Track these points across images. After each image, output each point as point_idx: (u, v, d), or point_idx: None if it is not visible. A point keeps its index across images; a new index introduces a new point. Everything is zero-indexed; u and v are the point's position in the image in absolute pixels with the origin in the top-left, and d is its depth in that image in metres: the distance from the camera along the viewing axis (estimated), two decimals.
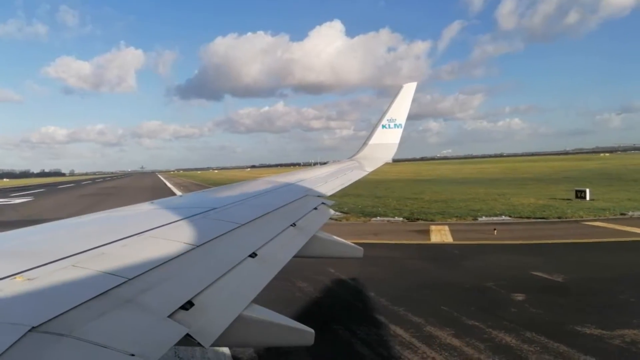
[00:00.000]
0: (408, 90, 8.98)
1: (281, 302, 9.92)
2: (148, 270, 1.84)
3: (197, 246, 2.24)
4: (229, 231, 2.61)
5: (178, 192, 48.59)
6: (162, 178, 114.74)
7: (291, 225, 3.16)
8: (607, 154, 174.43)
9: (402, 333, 7.87)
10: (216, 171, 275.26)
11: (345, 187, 5.86)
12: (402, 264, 13.42)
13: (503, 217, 21.68)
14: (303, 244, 2.95)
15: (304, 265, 12.24)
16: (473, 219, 21.31)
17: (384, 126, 9.00)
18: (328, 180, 5.73)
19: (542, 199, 28.15)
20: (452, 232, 17.82)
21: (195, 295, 1.74)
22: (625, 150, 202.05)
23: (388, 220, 22.27)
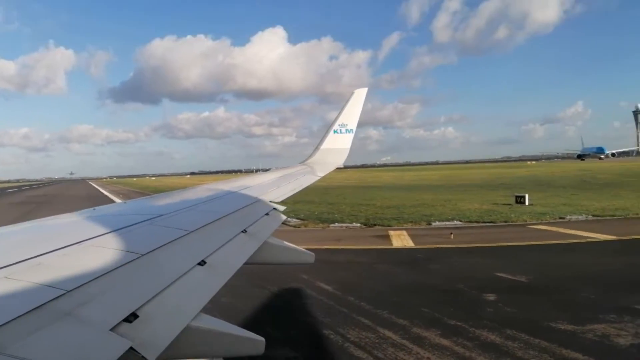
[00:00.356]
0: (359, 96, 9.10)
1: (262, 311, 9.87)
2: (89, 281, 1.74)
3: (143, 255, 2.16)
4: (176, 238, 2.54)
5: (118, 201, 46.56)
6: (95, 186, 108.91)
7: (242, 231, 3.12)
8: (534, 162, 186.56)
9: (392, 335, 8.08)
10: (153, 178, 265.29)
11: (297, 193, 5.83)
12: (372, 268, 13.71)
13: (455, 221, 22.66)
14: (254, 250, 2.92)
15: (274, 272, 12.23)
16: (427, 224, 22.12)
17: (335, 131, 9.06)
18: (280, 185, 5.70)
19: (485, 204, 29.65)
20: (411, 236, 18.41)
21: (140, 307, 1.67)
22: (548, 158, 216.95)
23: (346, 226, 22.61)
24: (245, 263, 2.65)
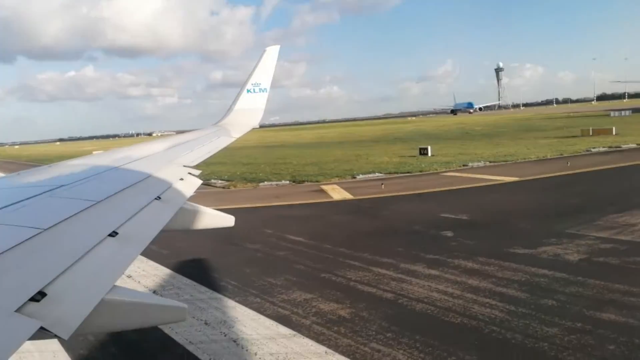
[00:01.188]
0: (271, 54, 9.01)
1: (248, 265, 10.26)
2: None
3: (45, 229, 1.99)
4: (83, 209, 2.34)
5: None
6: None
7: (156, 198, 2.96)
8: (414, 118, 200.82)
9: (387, 272, 9.01)
10: (16, 147, 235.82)
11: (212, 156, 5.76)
12: (329, 219, 14.53)
13: (376, 173, 24.21)
14: (170, 217, 2.80)
15: (233, 230, 12.44)
16: (352, 178, 23.38)
17: (249, 90, 8.86)
18: (193, 148, 5.50)
19: (394, 157, 31.92)
20: (346, 189, 19.49)
21: (48, 284, 1.57)
22: (425, 114, 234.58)
23: (277, 184, 23.03)
24: (162, 231, 2.57)
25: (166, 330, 6.91)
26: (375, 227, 13.02)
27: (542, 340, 6.01)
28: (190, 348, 6.52)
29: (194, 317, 7.41)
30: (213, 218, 3.64)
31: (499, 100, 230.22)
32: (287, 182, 23.46)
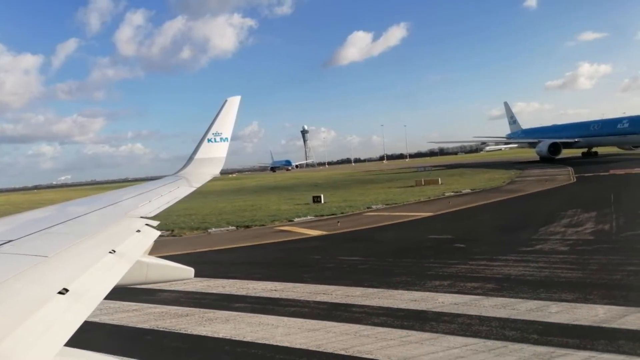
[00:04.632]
0: (232, 104, 9.60)
1: (357, 274, 12.40)
2: None
3: None
4: (32, 266, 2.28)
5: None
6: None
7: (110, 252, 2.96)
8: (235, 174, 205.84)
9: (469, 266, 12.29)
10: None
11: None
12: (345, 246, 17.05)
13: (308, 217, 26.91)
14: (125, 271, 2.81)
15: (283, 257, 14.30)
16: (289, 221, 25.54)
17: (209, 140, 9.32)
18: (151, 199, 5.57)
19: (294, 205, 34.57)
20: (309, 228, 21.90)
21: None
22: (241, 171, 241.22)
23: (227, 230, 23.88)
24: (117, 286, 2.60)
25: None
26: (396, 247, 16.06)
27: (620, 279, 10.21)
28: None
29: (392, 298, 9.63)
30: (172, 270, 3.84)
31: (306, 159, 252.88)
32: (233, 228, 24.45)
